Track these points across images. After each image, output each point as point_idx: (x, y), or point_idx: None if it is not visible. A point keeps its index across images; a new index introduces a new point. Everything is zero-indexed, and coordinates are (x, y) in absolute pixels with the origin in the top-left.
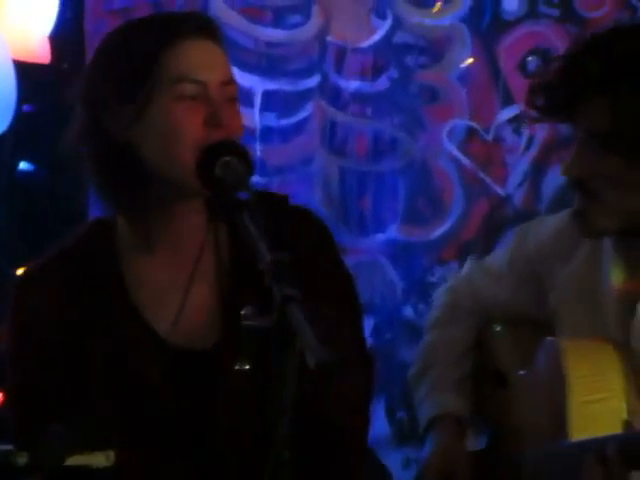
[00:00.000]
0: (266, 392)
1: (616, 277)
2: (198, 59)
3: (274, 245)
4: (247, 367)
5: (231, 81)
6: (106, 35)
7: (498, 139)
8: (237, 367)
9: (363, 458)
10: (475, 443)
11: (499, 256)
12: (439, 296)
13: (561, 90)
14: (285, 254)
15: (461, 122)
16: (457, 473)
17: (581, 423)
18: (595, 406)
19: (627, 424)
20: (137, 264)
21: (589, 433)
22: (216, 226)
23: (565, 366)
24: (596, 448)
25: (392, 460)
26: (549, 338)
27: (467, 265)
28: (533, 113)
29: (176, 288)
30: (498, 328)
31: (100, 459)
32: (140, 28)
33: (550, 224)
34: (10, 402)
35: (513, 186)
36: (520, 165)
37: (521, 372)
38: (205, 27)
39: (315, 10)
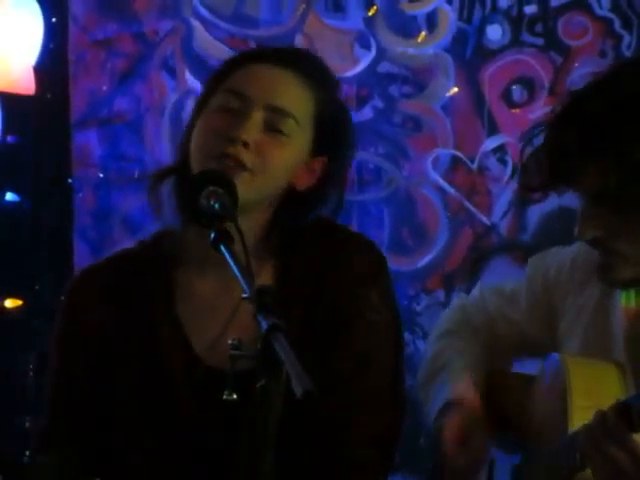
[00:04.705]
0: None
1: (628, 299)
2: (253, 77)
3: (324, 271)
4: (234, 397)
5: (283, 111)
6: None
7: (483, 168)
8: (225, 397)
9: None
10: None
11: (512, 281)
12: (448, 312)
13: (548, 164)
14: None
15: (445, 151)
16: (476, 434)
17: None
18: (592, 412)
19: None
20: (190, 280)
21: None
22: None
23: (566, 372)
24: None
25: None
26: (552, 353)
27: (476, 289)
28: (533, 194)
29: (221, 310)
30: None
31: None
32: (238, 55)
33: (567, 254)
34: (47, 397)
35: (498, 215)
36: (505, 194)
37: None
38: (286, 57)
39: (299, 40)
